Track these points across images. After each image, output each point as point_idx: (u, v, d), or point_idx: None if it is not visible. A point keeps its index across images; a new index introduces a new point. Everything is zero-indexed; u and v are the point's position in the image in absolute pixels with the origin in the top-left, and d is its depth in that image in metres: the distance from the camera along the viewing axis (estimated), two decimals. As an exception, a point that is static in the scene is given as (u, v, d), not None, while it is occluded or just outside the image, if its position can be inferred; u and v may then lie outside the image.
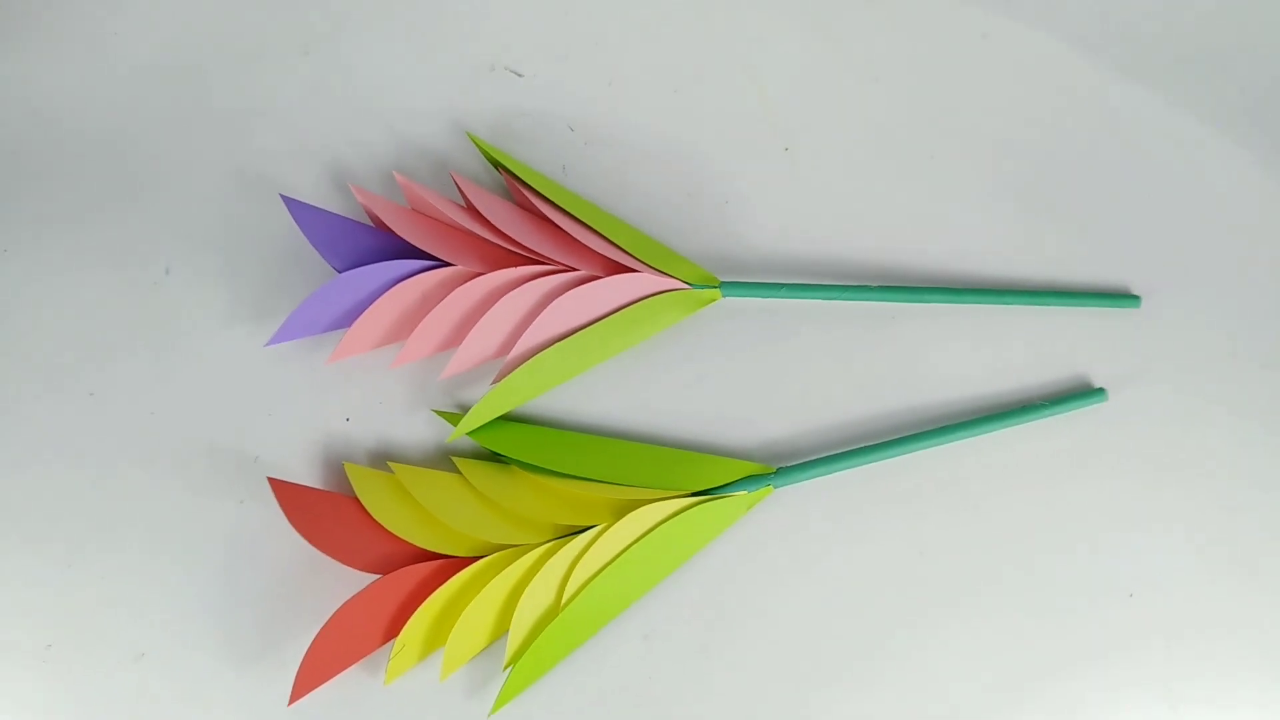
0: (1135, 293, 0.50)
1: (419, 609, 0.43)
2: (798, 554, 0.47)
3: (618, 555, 0.45)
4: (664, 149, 0.52)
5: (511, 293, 0.47)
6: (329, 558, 0.44)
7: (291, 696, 0.43)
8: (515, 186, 0.50)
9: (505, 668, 0.44)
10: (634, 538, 0.45)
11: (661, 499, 0.45)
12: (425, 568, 0.44)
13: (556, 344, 0.47)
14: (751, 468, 0.47)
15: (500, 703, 0.44)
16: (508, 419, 0.48)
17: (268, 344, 0.47)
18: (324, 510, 0.45)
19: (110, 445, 0.48)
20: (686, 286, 0.48)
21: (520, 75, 0.52)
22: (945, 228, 0.50)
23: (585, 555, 0.44)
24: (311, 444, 0.48)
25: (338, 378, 0.49)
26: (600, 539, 0.44)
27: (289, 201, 0.48)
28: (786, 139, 0.52)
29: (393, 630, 0.43)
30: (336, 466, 0.48)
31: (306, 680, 0.42)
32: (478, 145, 0.51)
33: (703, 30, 0.52)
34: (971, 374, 0.49)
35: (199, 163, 0.51)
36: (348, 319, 0.48)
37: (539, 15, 0.52)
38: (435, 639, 0.44)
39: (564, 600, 0.44)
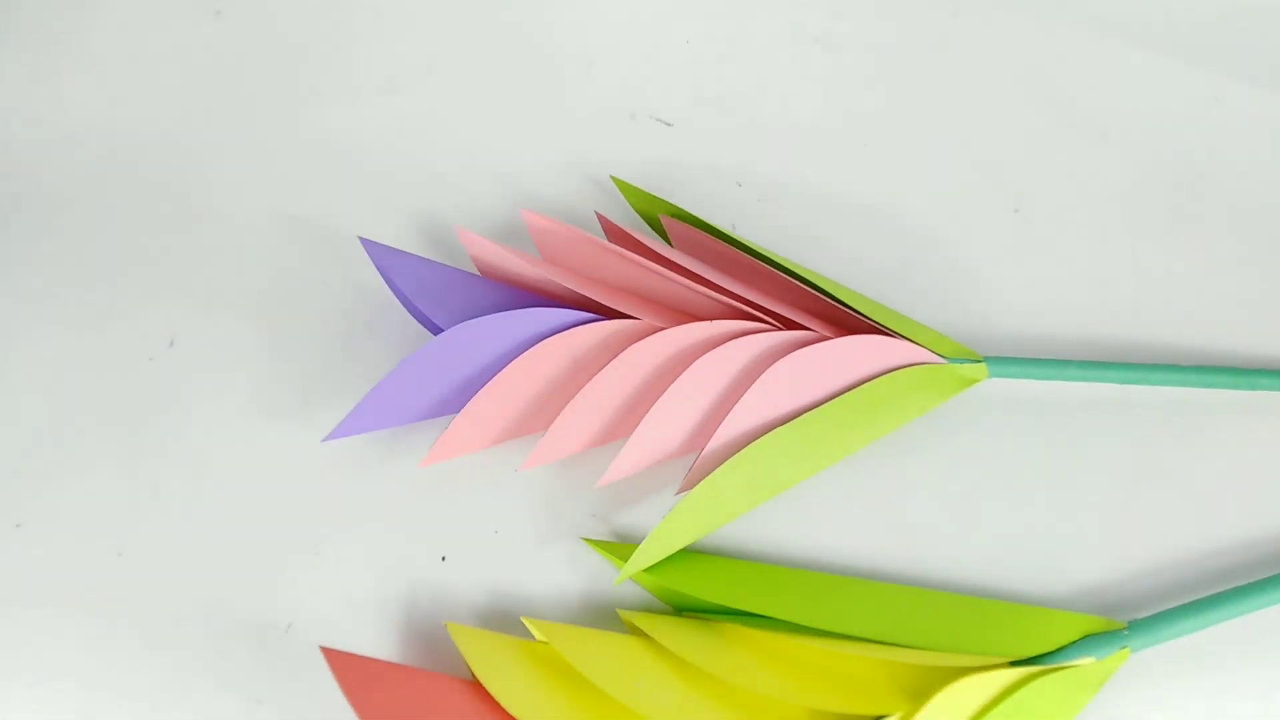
0: None
1: None
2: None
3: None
4: (860, 208, 0.37)
5: (707, 356, 0.29)
6: None
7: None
8: (686, 237, 0.33)
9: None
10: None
11: (974, 670, 0.26)
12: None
13: (772, 433, 0.29)
14: (1089, 622, 0.28)
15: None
16: (694, 550, 0.29)
17: (326, 438, 0.28)
18: (410, 698, 0.24)
19: (44, 613, 0.27)
20: (941, 360, 0.31)
21: (669, 124, 0.38)
22: (1209, 298, 0.35)
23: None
24: (385, 599, 0.28)
25: (430, 493, 0.30)
26: None
27: (370, 245, 0.31)
28: (1014, 200, 0.38)
29: None
30: (427, 632, 0.28)
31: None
32: (624, 191, 0.35)
33: (895, 85, 0.39)
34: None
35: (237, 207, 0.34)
36: (454, 401, 0.29)
37: (690, 59, 0.40)
38: None
39: None
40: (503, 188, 0.37)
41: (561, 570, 0.30)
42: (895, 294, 0.36)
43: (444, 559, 0.30)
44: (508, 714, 0.26)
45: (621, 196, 0.37)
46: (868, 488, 0.32)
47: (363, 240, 0.32)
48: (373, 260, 0.32)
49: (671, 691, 0.26)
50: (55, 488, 0.30)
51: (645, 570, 0.29)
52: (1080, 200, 0.39)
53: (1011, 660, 0.28)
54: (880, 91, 0.41)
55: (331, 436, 0.30)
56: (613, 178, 0.37)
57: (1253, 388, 0.34)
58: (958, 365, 0.33)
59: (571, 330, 0.30)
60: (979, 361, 0.33)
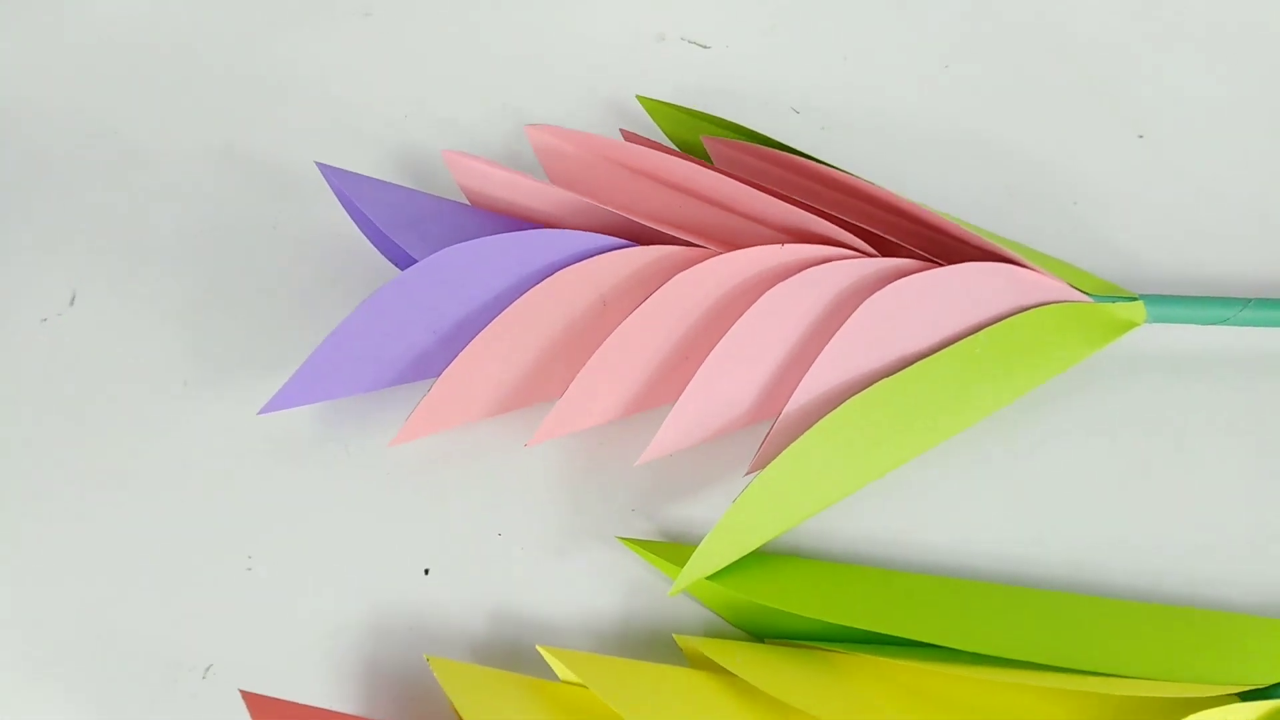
0: None
1: None
2: None
3: None
4: (948, 137, 0.29)
5: (778, 289, 0.21)
6: None
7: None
8: (738, 162, 0.25)
9: None
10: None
11: (1196, 704, 0.17)
12: None
13: (874, 387, 0.20)
14: None
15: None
16: (772, 552, 0.21)
17: (263, 411, 0.20)
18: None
19: None
20: (1088, 298, 0.23)
21: (705, 47, 0.31)
22: None
23: None
24: (341, 628, 0.20)
25: (407, 485, 0.21)
26: None
27: (330, 172, 0.23)
28: (1136, 125, 0.30)
29: None
30: (401, 675, 0.19)
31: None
32: (654, 114, 0.27)
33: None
34: None
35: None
36: (435, 358, 0.21)
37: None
38: None
39: None
40: (501, 121, 0.30)
41: (591, 584, 0.21)
42: (1000, 228, 0.28)
43: (427, 572, 0.21)
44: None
45: (651, 123, 0.29)
46: (1000, 467, 0.23)
47: (321, 166, 0.24)
48: (334, 188, 0.24)
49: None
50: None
51: (708, 580, 0.21)
52: (1210, 124, 0.32)
53: (1241, 690, 0.19)
54: (963, 2, 0.34)
55: (269, 409, 0.21)
56: (639, 97, 0.29)
57: None
58: (1109, 305, 0.25)
59: (595, 259, 0.22)
60: (1134, 300, 0.25)
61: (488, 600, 0.21)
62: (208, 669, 0.20)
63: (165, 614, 0.20)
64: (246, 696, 0.17)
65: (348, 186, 0.24)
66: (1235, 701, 0.19)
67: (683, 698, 0.18)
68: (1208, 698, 0.19)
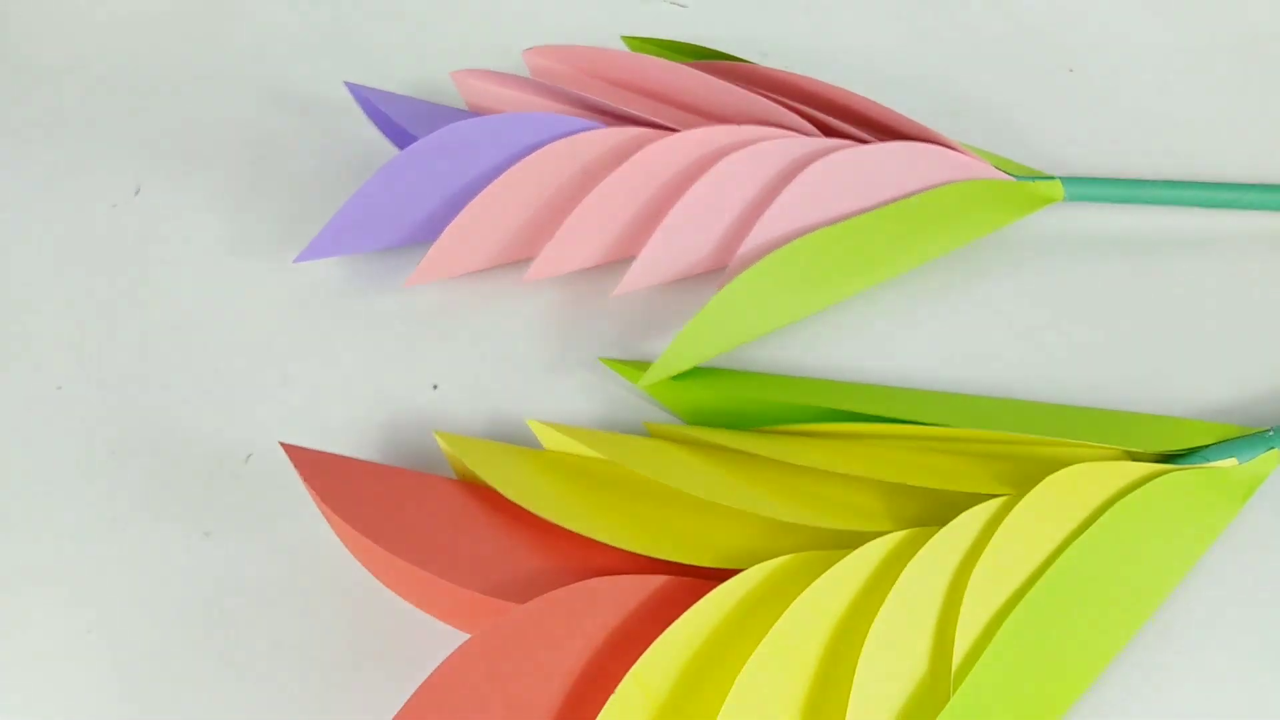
0: None
1: (629, 679, 0.17)
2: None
3: (1052, 559, 0.18)
4: (903, 75, 0.33)
5: (735, 156, 0.25)
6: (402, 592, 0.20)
7: None
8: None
9: None
10: (1071, 524, 0.19)
11: (1095, 458, 0.20)
12: (630, 584, 0.17)
13: (809, 238, 0.24)
14: (1226, 429, 0.22)
15: None
16: (731, 370, 0.24)
17: (298, 259, 0.24)
18: (386, 495, 0.19)
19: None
20: (1010, 177, 0.27)
21: (683, 5, 0.35)
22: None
23: (984, 557, 0.18)
24: (363, 427, 0.24)
25: (420, 322, 0.25)
26: (1009, 523, 0.18)
27: (355, 88, 0.27)
28: (1068, 59, 0.34)
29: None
30: (412, 459, 0.23)
31: None
32: (639, 51, 0.32)
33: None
34: None
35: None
36: (443, 219, 0.25)
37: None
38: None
39: (956, 657, 0.17)
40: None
41: (576, 398, 0.24)
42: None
43: (436, 387, 0.25)
44: (500, 510, 0.20)
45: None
46: (932, 313, 0.27)
47: (349, 85, 0.29)
48: (360, 100, 0.29)
49: (726, 480, 0.20)
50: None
51: (673, 390, 0.24)
52: (1136, 60, 0.35)
53: (1150, 455, 0.22)
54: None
55: (303, 257, 0.25)
56: (624, 38, 0.33)
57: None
58: (1029, 183, 0.28)
59: (578, 135, 0.26)
60: (1052, 179, 0.28)
61: (487, 408, 0.24)
62: (248, 456, 0.23)
63: (211, 416, 0.24)
64: (288, 449, 0.21)
65: (373, 98, 0.29)
66: (1136, 460, 0.22)
67: (655, 450, 0.21)
68: (1111, 454, 0.22)
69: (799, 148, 0.27)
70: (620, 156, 0.26)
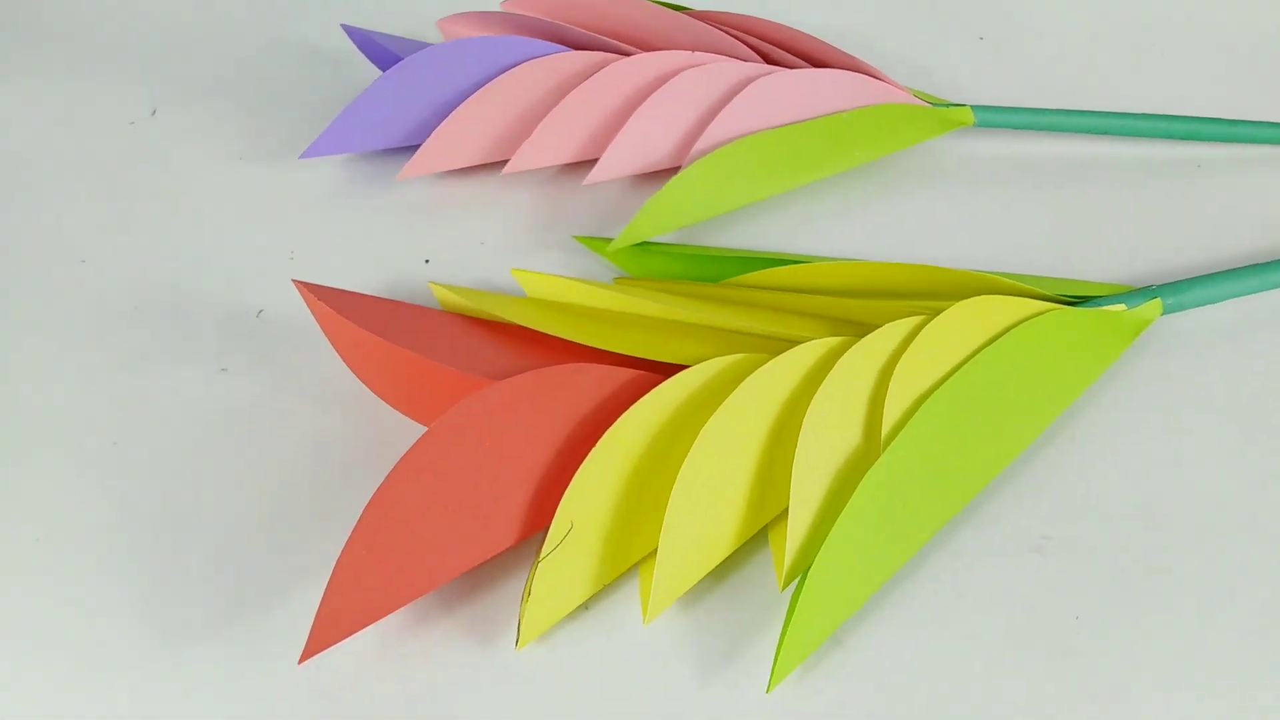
0: None
1: (594, 454, 0.20)
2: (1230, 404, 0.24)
3: (964, 362, 0.22)
4: (833, 37, 0.37)
5: (687, 74, 0.29)
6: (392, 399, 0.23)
7: (305, 651, 0.18)
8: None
9: (783, 587, 0.19)
10: (979, 340, 0.22)
11: (1003, 292, 0.24)
12: (602, 373, 0.20)
13: (753, 137, 0.28)
14: (1116, 287, 0.26)
15: (781, 670, 0.18)
16: (688, 248, 0.28)
17: (304, 155, 0.27)
18: (388, 313, 0.22)
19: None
20: (926, 104, 0.31)
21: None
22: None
23: (904, 358, 0.21)
24: (364, 291, 0.26)
25: (411, 211, 0.29)
26: (925, 334, 0.22)
27: (353, 30, 0.31)
28: (977, 30, 0.39)
29: (538, 510, 0.19)
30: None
31: (333, 627, 0.18)
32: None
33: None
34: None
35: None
36: (434, 125, 0.28)
37: None
38: (630, 524, 0.20)
39: (885, 436, 0.20)
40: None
41: (552, 271, 0.27)
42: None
43: (428, 261, 0.28)
44: (489, 330, 0.23)
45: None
46: (856, 212, 0.30)
47: (346, 27, 0.32)
48: (354, 39, 0.32)
49: (684, 300, 0.23)
50: (21, 211, 0.29)
51: (637, 259, 0.27)
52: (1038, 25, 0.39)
53: (1050, 296, 0.25)
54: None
55: (309, 153, 0.28)
56: None
57: (1245, 140, 0.33)
58: (943, 108, 0.32)
59: (552, 55, 0.30)
60: (964, 107, 0.33)
61: (474, 279, 0.27)
62: (259, 312, 0.26)
63: (223, 280, 0.27)
64: (299, 284, 0.23)
65: (369, 35, 0.32)
66: (1032, 297, 0.25)
67: (619, 291, 0.24)
68: (1015, 289, 0.25)
69: (745, 70, 0.30)
70: (587, 75, 0.30)
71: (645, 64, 0.30)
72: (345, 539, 0.19)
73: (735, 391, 0.21)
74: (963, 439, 0.22)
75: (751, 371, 0.22)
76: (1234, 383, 0.26)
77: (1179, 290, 0.27)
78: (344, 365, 0.24)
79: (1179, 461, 0.24)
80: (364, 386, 0.24)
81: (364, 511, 0.19)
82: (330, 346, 0.24)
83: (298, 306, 0.24)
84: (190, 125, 0.31)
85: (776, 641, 0.19)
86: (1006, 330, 0.24)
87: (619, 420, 0.20)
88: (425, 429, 0.23)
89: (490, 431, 0.20)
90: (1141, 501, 0.23)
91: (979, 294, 0.24)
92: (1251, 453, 0.24)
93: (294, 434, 0.23)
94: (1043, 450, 0.24)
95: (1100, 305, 0.26)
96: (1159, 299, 0.26)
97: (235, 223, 0.28)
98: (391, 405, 0.23)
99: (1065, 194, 0.32)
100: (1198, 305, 0.27)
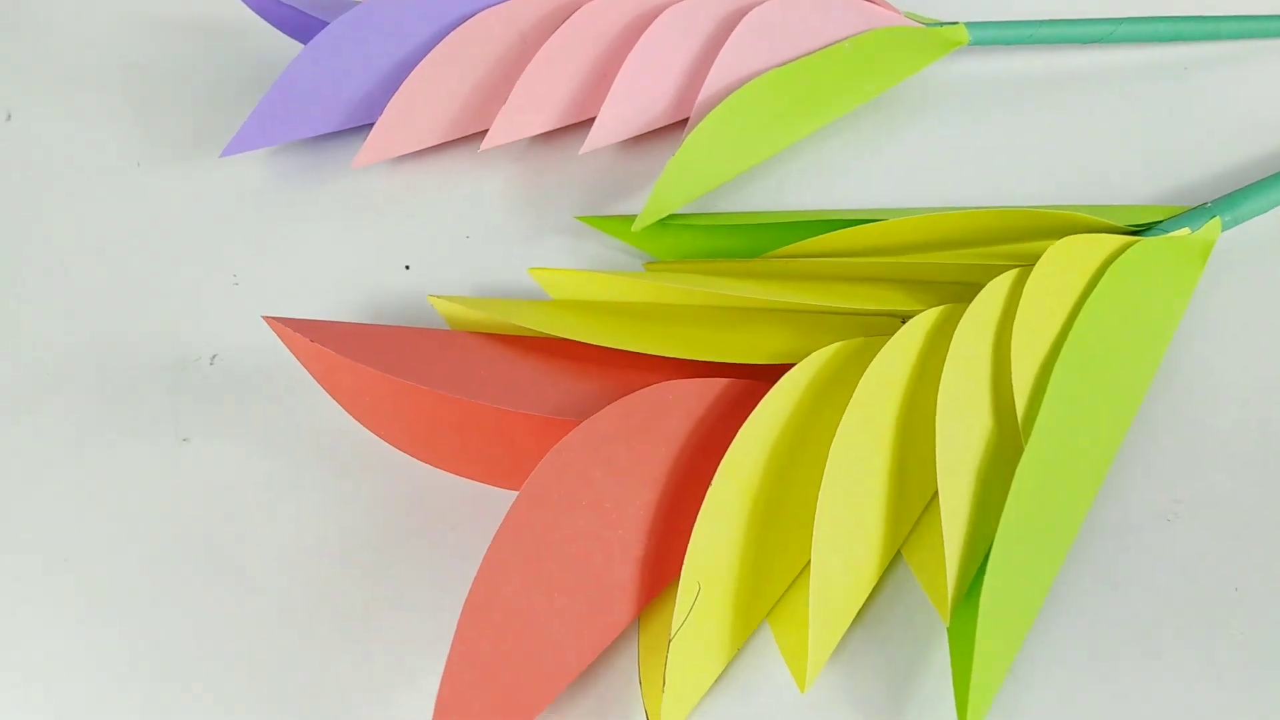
0: None
1: (712, 493, 0.16)
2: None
3: (1072, 315, 0.19)
4: None
5: (671, 11, 0.24)
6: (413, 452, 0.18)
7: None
8: None
9: (949, 617, 0.16)
10: (1079, 287, 0.19)
11: (1085, 227, 0.21)
12: (697, 387, 0.16)
13: (761, 80, 0.24)
14: (1168, 210, 0.24)
15: (975, 711, 0.14)
16: (701, 221, 0.24)
17: (225, 152, 0.21)
18: (404, 347, 0.17)
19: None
20: (919, 24, 0.28)
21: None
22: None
23: (1017, 320, 0.18)
24: (337, 312, 0.22)
25: (378, 207, 0.23)
26: (1029, 290, 0.18)
27: None
28: None
29: (653, 570, 0.15)
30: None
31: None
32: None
33: None
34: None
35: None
36: (380, 99, 0.23)
37: None
38: (761, 569, 0.17)
39: (1022, 417, 0.17)
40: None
41: (555, 262, 0.23)
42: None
43: (408, 268, 0.22)
44: (524, 348, 0.18)
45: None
46: (870, 154, 0.27)
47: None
48: (251, 5, 0.26)
49: (740, 282, 0.19)
50: None
51: (659, 237, 0.23)
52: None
53: (1123, 228, 0.23)
54: None
55: (231, 150, 0.23)
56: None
57: (1238, 35, 0.31)
58: (936, 29, 0.29)
59: (510, 0, 0.25)
60: (957, 25, 0.29)
61: (467, 282, 0.22)
62: (213, 357, 0.21)
63: (163, 326, 0.21)
64: (271, 321, 0.18)
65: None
66: (1112, 232, 0.22)
67: (666, 280, 0.20)
68: (1084, 220, 0.22)
69: (730, 2, 0.26)
70: (556, 20, 0.25)
71: (619, 3, 0.25)
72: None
73: (856, 394, 0.17)
74: (1093, 400, 0.19)
75: (856, 361, 0.18)
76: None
77: (1233, 204, 0.25)
78: (332, 410, 0.19)
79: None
80: (367, 434, 0.19)
81: (461, 620, 0.14)
82: (314, 390, 0.19)
83: (257, 345, 0.19)
84: (59, 130, 0.24)
85: (951, 677, 0.16)
86: (1100, 271, 0.21)
87: (731, 448, 0.16)
88: (462, 478, 0.18)
89: (587, 484, 0.15)
90: (1266, 436, 0.21)
91: (1054, 233, 0.21)
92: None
93: (292, 510, 0.18)
94: (1148, 402, 0.21)
95: (1166, 231, 0.23)
96: (1218, 217, 0.24)
97: (152, 248, 0.22)
98: (409, 454, 0.19)
99: (1074, 110, 0.30)
100: (1251, 217, 0.25)
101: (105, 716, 0.16)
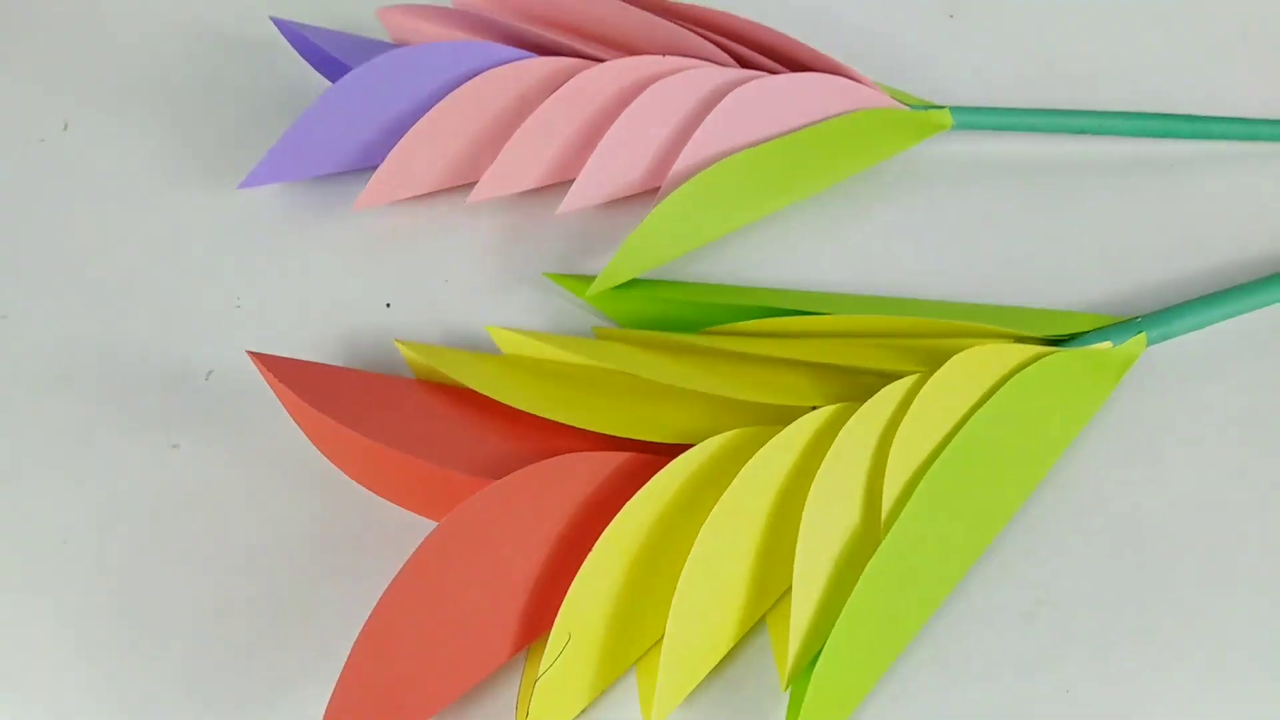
0: None
1: (592, 556, 0.18)
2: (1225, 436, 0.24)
3: (960, 424, 0.21)
4: (803, 19, 0.35)
5: (660, 84, 0.26)
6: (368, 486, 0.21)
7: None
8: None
9: (786, 686, 0.18)
10: (974, 397, 0.21)
11: (990, 339, 0.23)
12: (597, 460, 0.19)
13: (734, 158, 0.26)
14: (1099, 318, 0.26)
15: None
16: (664, 281, 0.26)
17: (243, 185, 0.25)
18: (354, 397, 0.20)
19: None
20: (903, 106, 0.29)
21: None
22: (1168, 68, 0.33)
23: (903, 424, 0.20)
24: (319, 346, 0.25)
25: (367, 246, 0.26)
26: (921, 397, 0.21)
27: (283, 24, 0.28)
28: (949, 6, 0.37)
29: (534, 616, 0.18)
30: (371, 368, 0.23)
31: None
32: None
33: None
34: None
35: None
36: (385, 146, 0.26)
37: None
38: (629, 623, 0.19)
39: (885, 512, 0.19)
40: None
41: (523, 313, 0.26)
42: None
43: (389, 306, 0.25)
44: (466, 403, 0.21)
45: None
46: (837, 230, 0.29)
47: (276, 20, 0.29)
48: (285, 34, 0.29)
49: (675, 365, 0.22)
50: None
51: (616, 300, 0.26)
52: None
53: (1036, 338, 0.25)
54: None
55: (247, 183, 0.26)
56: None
57: (1228, 137, 0.32)
58: (920, 111, 0.31)
59: (514, 63, 0.27)
60: (942, 109, 0.31)
61: (440, 325, 0.25)
62: (209, 374, 0.24)
63: (167, 339, 0.24)
64: (255, 356, 0.21)
65: (302, 31, 0.29)
66: (1021, 342, 0.24)
67: (602, 349, 0.23)
68: (1004, 335, 0.24)
69: (718, 76, 0.28)
70: (552, 85, 0.28)
71: (615, 72, 0.28)
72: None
73: (735, 481, 0.20)
74: (961, 507, 0.21)
75: (748, 448, 0.20)
76: (1218, 414, 0.25)
77: (1162, 321, 0.26)
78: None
79: (1171, 505, 0.23)
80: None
81: (358, 640, 0.17)
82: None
83: (250, 366, 0.22)
84: (108, 142, 0.28)
85: (783, 736, 0.19)
86: (1000, 383, 0.23)
87: (617, 518, 0.19)
88: (407, 511, 0.21)
89: (486, 538, 0.18)
90: (1132, 548, 0.22)
91: (967, 337, 0.23)
92: (1239, 486, 0.24)
93: (263, 520, 0.22)
94: (1030, 507, 0.24)
95: (1086, 343, 0.25)
96: (1144, 333, 0.26)
97: (168, 265, 0.26)
98: (368, 489, 0.22)
99: (1044, 201, 0.31)
100: (1180, 334, 0.27)
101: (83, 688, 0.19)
